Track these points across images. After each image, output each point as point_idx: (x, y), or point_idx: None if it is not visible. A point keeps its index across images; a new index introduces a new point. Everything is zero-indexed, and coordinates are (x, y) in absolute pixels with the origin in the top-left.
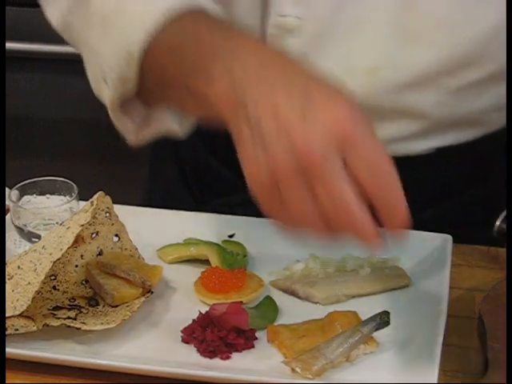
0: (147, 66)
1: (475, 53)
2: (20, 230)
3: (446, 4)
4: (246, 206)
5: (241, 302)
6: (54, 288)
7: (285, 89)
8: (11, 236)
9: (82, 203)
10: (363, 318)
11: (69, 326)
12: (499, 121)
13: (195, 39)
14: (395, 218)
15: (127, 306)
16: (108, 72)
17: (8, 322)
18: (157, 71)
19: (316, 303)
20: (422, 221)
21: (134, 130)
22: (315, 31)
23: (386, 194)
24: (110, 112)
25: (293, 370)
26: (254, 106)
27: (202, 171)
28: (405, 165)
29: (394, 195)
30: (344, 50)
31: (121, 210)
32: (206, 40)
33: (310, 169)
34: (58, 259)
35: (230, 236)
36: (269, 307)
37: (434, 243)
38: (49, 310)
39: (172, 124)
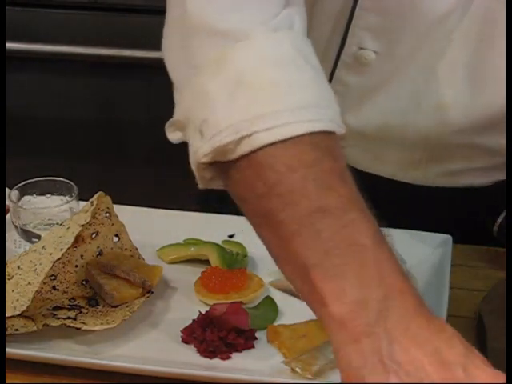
0: (248, 164)
1: None
2: (20, 230)
3: None
4: None
5: (241, 302)
6: (54, 288)
7: (439, 339)
8: (11, 236)
9: (82, 203)
10: None
11: (69, 326)
12: None
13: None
14: None
15: (127, 306)
16: (213, 132)
17: (8, 322)
18: (256, 184)
19: None
20: (422, 221)
21: (208, 179)
22: (390, 67)
23: None
24: (190, 158)
25: (293, 369)
26: (399, 353)
27: None
28: (467, 193)
29: None
30: (417, 87)
31: (121, 210)
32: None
33: None
34: (58, 259)
35: (230, 236)
36: (269, 307)
37: (434, 243)
38: (49, 310)
39: None
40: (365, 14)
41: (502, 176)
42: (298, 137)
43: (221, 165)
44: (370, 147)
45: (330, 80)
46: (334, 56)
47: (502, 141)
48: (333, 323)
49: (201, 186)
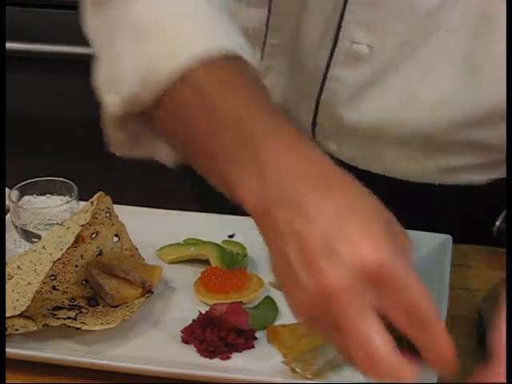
0: (167, 100)
1: None
2: (20, 230)
3: None
4: None
5: (241, 302)
6: (54, 288)
7: (316, 210)
8: (11, 236)
9: (82, 203)
10: None
11: (69, 326)
12: None
13: (230, 106)
14: (441, 361)
15: (127, 306)
16: (123, 83)
17: (8, 322)
18: (174, 110)
19: None
20: (421, 221)
21: (123, 143)
22: (384, 61)
23: (426, 340)
24: (104, 118)
25: (292, 369)
26: (284, 230)
27: None
28: (464, 191)
29: (437, 339)
30: (411, 82)
31: (121, 210)
32: (244, 122)
33: (332, 311)
34: (58, 259)
35: (230, 236)
36: (269, 307)
37: (434, 243)
38: (49, 310)
39: (163, 155)
40: (356, 7)
41: (501, 174)
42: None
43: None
44: (366, 144)
45: (325, 77)
46: (328, 53)
47: (500, 137)
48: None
49: (117, 151)
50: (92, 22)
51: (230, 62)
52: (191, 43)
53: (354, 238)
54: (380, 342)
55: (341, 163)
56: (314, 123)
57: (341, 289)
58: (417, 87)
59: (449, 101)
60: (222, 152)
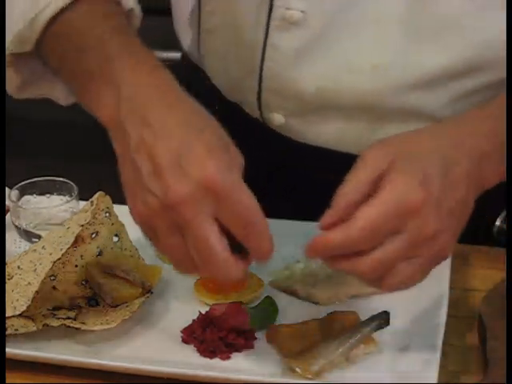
0: (49, 40)
1: (486, 58)
2: (20, 230)
3: (458, 6)
4: None
5: (241, 302)
6: (54, 288)
7: (165, 130)
8: (11, 236)
9: (82, 203)
10: (363, 318)
11: (69, 326)
12: None
13: (99, 43)
14: (263, 259)
15: (127, 306)
16: (13, 22)
17: (8, 322)
18: (54, 42)
19: (316, 303)
20: None
21: (18, 83)
22: (320, 26)
23: (254, 244)
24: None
25: (293, 370)
26: (135, 140)
27: None
28: None
29: (260, 242)
30: (349, 47)
31: (121, 210)
32: (108, 50)
33: (176, 215)
34: (58, 259)
35: None
36: (269, 307)
37: None
38: (49, 310)
39: (57, 92)
40: None
41: None
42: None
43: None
44: (311, 114)
45: (264, 47)
46: (265, 23)
47: (437, 104)
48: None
49: (9, 91)
50: None
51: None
52: None
53: (198, 156)
54: (216, 242)
55: (290, 141)
56: (259, 98)
57: (185, 197)
58: (354, 52)
59: (387, 64)
60: (86, 72)
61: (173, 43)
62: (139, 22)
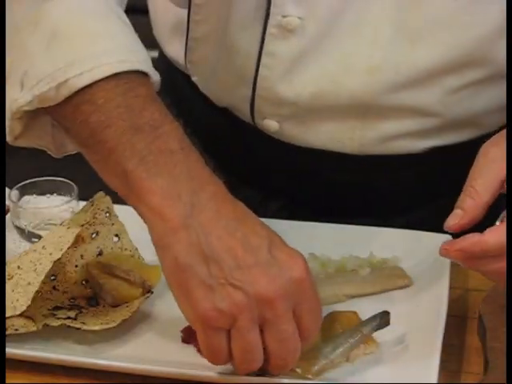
0: (73, 107)
1: (478, 53)
2: (20, 230)
3: (448, 4)
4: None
5: None
6: (54, 288)
7: (246, 226)
8: (11, 236)
9: (82, 203)
10: (363, 318)
11: (69, 326)
12: (498, 123)
13: (142, 119)
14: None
15: (127, 306)
16: (33, 82)
17: (8, 322)
18: (82, 121)
19: None
20: (421, 221)
21: (18, 133)
22: (316, 31)
23: (313, 329)
24: (7, 110)
25: (293, 370)
26: (212, 238)
27: None
28: (402, 163)
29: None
30: (345, 50)
31: (121, 210)
32: (158, 132)
33: (268, 310)
34: (58, 259)
35: None
36: None
37: (434, 243)
38: (49, 310)
39: (52, 145)
40: None
41: (434, 142)
42: (108, 77)
43: (48, 111)
44: (305, 118)
45: (260, 55)
46: (261, 30)
47: (430, 100)
48: (152, 216)
49: (9, 139)
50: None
51: (134, 77)
52: (105, 56)
53: (287, 252)
54: (297, 336)
55: (283, 144)
56: (252, 105)
57: (281, 292)
58: (350, 55)
59: (381, 66)
60: (127, 150)
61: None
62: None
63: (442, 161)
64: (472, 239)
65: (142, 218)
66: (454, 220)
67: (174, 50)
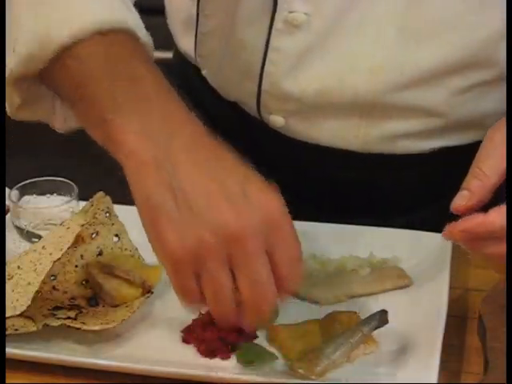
0: (62, 61)
1: (483, 55)
2: (20, 230)
3: (453, 7)
4: None
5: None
6: (54, 288)
7: (220, 166)
8: (11, 236)
9: (82, 203)
10: (363, 318)
11: (69, 326)
12: None
13: (126, 69)
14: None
15: (127, 306)
16: (19, 45)
17: (8, 322)
18: (69, 71)
19: (316, 303)
20: (422, 221)
21: (17, 105)
22: (322, 28)
23: (290, 280)
24: (7, 80)
25: (295, 371)
26: (183, 177)
27: None
28: (406, 162)
29: (295, 279)
30: (349, 48)
31: (121, 210)
32: (138, 82)
33: (238, 248)
34: (58, 259)
35: None
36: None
37: (434, 243)
38: (49, 310)
39: (55, 117)
40: None
41: (438, 143)
42: (94, 35)
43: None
44: (309, 115)
45: (266, 50)
46: (267, 26)
47: (434, 100)
48: (122, 153)
49: (9, 112)
50: None
51: (121, 35)
52: (88, 12)
53: (259, 188)
54: (270, 276)
55: (290, 140)
56: (258, 100)
57: (250, 229)
58: (355, 53)
59: (385, 65)
60: (105, 100)
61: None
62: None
63: (445, 162)
64: (476, 220)
65: (121, 165)
66: (462, 201)
67: (186, 43)
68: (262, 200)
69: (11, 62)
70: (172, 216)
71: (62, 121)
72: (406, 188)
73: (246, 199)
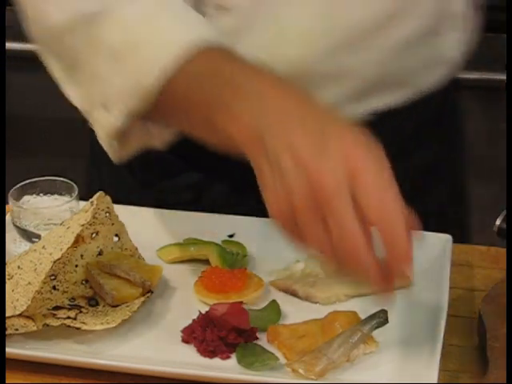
0: (162, 99)
1: (403, 7)
2: (20, 230)
3: None
4: (193, 189)
5: (241, 302)
6: (54, 288)
7: (301, 125)
8: (11, 236)
9: (82, 203)
10: (363, 317)
11: (69, 326)
12: (426, 82)
13: (216, 75)
14: (399, 255)
15: (127, 306)
16: (116, 102)
17: (8, 322)
18: (172, 103)
19: (316, 303)
20: (421, 221)
21: (117, 147)
22: (250, 6)
23: (391, 231)
24: (100, 135)
25: (295, 370)
26: (272, 143)
27: (144, 153)
28: None
29: (398, 232)
30: (278, 18)
31: (121, 210)
32: (227, 77)
33: (323, 202)
34: (58, 259)
35: (230, 236)
36: (273, 310)
37: (434, 243)
38: (49, 310)
39: (153, 139)
40: None
41: (371, 105)
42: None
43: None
44: None
45: None
46: (199, 11)
47: (366, 63)
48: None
49: (116, 160)
50: (53, 47)
51: (212, 49)
52: (171, 42)
53: (339, 141)
54: (359, 229)
55: None
56: None
57: (332, 185)
58: (283, 22)
59: (315, 29)
60: (211, 104)
61: None
62: None
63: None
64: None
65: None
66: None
67: None
68: (340, 148)
69: (105, 119)
70: (268, 179)
71: (160, 138)
72: None
73: (325, 150)
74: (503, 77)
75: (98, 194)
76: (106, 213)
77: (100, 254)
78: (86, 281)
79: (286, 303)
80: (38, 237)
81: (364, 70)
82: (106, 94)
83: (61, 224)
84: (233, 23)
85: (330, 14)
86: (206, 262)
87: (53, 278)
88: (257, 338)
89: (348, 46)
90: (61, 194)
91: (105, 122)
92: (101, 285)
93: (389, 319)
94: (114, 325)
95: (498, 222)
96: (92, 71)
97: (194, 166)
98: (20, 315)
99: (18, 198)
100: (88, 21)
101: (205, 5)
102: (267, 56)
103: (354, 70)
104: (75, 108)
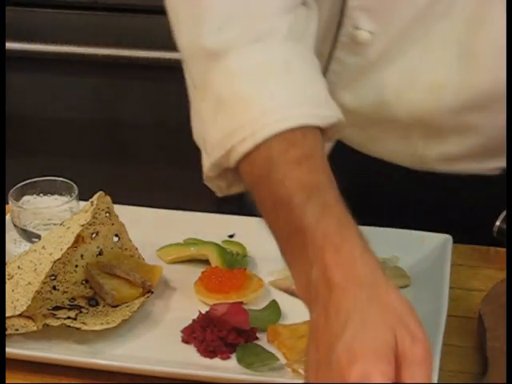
0: (245, 168)
1: None
2: (20, 230)
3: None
4: None
5: (241, 302)
6: (54, 288)
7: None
8: (11, 236)
9: (82, 203)
10: None
11: (69, 326)
12: None
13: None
14: None
15: (127, 306)
16: (209, 150)
17: (8, 322)
18: (251, 178)
19: None
20: (422, 221)
21: (225, 187)
22: (386, 45)
23: None
24: (204, 172)
25: (295, 371)
26: (326, 319)
27: None
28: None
29: None
30: (410, 66)
31: (121, 210)
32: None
33: None
34: (58, 259)
35: (230, 236)
36: (272, 310)
37: (434, 243)
38: (49, 310)
39: None
40: None
41: (497, 163)
42: (268, 139)
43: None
44: (366, 127)
45: (329, 60)
46: (332, 38)
47: (494, 122)
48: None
49: (219, 194)
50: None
51: (298, 132)
52: (263, 118)
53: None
54: None
55: (343, 146)
56: None
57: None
58: (415, 68)
59: (444, 83)
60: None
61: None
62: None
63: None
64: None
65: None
66: None
67: None
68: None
69: (205, 163)
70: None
71: None
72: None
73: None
74: None
75: (98, 193)
76: (106, 213)
77: (100, 254)
78: (86, 281)
79: (286, 303)
80: (38, 237)
81: (490, 128)
82: (205, 138)
83: (61, 224)
84: (363, 59)
85: (462, 73)
86: (206, 262)
87: (53, 278)
88: (257, 338)
89: (476, 106)
90: (61, 194)
91: (204, 161)
92: (101, 285)
93: None
94: (114, 325)
95: (497, 222)
96: (200, 111)
97: None
98: (20, 315)
99: (17, 198)
100: (207, 55)
101: (340, 38)
102: (391, 96)
103: (479, 127)
104: (75, 108)
